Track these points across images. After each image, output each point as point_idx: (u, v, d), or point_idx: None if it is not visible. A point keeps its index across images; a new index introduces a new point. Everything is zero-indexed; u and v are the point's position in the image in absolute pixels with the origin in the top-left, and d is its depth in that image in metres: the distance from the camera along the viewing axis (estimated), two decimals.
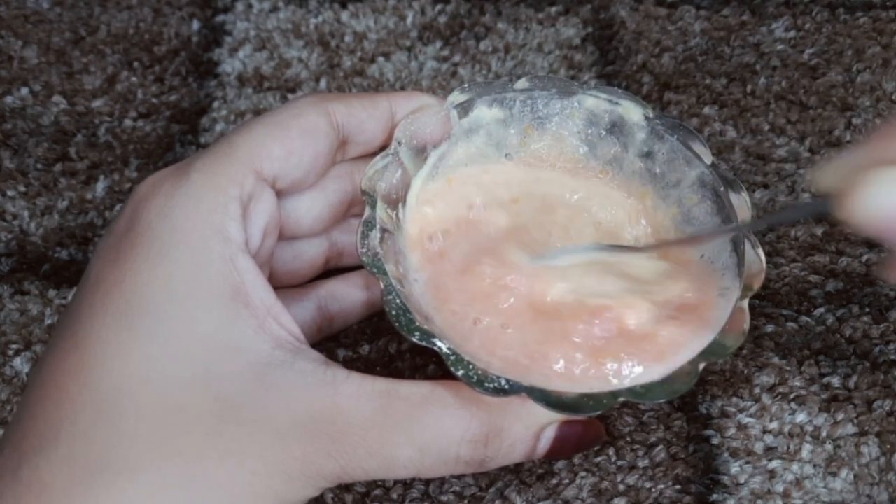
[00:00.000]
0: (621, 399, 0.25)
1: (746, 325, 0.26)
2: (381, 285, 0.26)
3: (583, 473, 0.31)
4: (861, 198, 0.20)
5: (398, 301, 0.26)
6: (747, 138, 0.41)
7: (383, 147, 0.30)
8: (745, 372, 0.33)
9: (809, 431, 0.31)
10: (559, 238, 0.31)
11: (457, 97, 0.31)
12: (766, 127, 0.42)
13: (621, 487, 0.30)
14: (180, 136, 0.42)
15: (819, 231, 0.38)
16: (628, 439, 0.31)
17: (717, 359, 0.26)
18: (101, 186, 0.40)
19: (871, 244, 0.37)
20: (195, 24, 0.47)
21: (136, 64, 0.45)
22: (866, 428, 0.31)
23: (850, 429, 0.31)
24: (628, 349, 0.27)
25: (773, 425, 0.32)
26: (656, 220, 0.32)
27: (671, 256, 0.31)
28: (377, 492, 0.30)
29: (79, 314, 0.25)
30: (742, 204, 0.29)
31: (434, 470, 0.26)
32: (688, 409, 0.32)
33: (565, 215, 0.32)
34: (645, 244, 0.32)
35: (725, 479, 0.30)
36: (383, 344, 0.34)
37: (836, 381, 0.33)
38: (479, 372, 0.24)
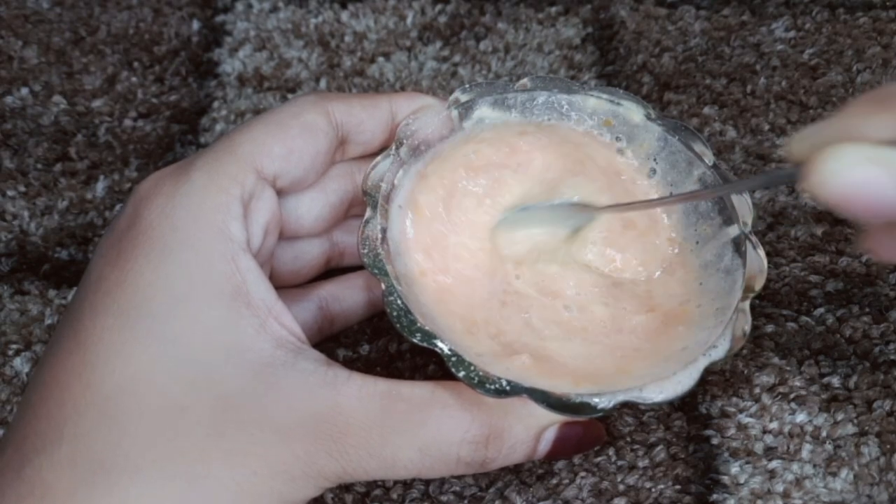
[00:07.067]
0: (622, 401, 0.25)
1: (748, 327, 0.26)
2: (382, 286, 0.26)
3: (583, 473, 0.31)
4: (819, 173, 0.21)
5: (399, 302, 0.26)
6: (747, 138, 0.41)
7: (383, 147, 0.30)
8: (745, 372, 0.33)
9: (809, 431, 0.32)
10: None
11: (458, 97, 0.31)
12: (766, 127, 0.42)
13: (621, 487, 0.30)
14: (180, 136, 0.42)
15: (819, 231, 0.38)
16: (628, 439, 0.31)
17: (718, 361, 0.26)
18: (101, 186, 0.40)
19: None
20: (195, 24, 0.47)
21: (136, 64, 0.45)
22: (866, 428, 0.31)
23: (850, 429, 0.31)
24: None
25: (773, 425, 0.32)
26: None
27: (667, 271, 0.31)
28: (377, 492, 0.30)
29: (80, 314, 0.25)
30: (743, 204, 0.29)
31: (435, 471, 0.26)
32: (688, 409, 0.32)
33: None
34: (614, 204, 0.31)
35: (725, 479, 0.30)
36: (383, 344, 0.34)
37: (836, 381, 0.33)
38: (481, 373, 0.24)
